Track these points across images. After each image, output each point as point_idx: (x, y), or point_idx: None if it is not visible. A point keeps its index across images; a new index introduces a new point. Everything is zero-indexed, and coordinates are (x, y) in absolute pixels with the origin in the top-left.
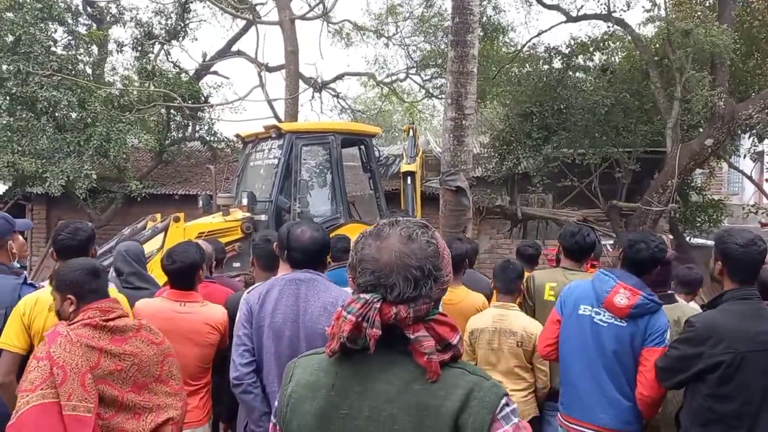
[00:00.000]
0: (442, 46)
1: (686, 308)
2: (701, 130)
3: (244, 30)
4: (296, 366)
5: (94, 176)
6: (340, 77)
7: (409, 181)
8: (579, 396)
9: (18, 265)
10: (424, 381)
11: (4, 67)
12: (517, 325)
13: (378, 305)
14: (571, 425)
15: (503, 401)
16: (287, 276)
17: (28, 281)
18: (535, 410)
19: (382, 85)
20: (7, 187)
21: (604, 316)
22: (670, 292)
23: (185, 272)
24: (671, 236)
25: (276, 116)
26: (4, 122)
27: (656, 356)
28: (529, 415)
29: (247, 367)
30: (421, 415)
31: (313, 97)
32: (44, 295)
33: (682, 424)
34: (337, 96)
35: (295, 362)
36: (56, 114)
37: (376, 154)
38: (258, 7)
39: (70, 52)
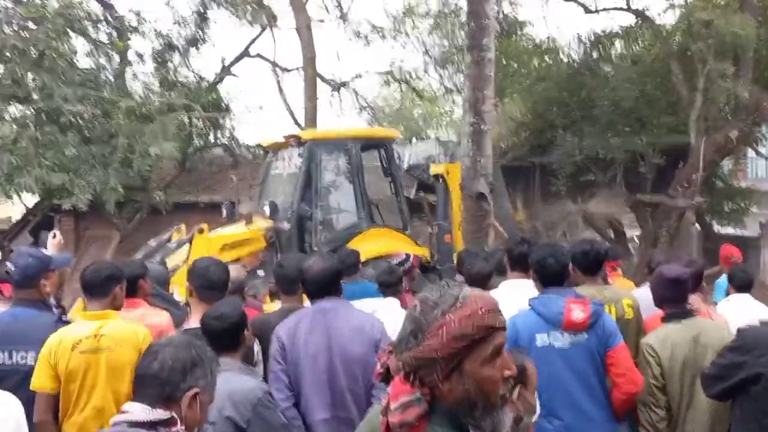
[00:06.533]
0: (460, 41)
1: (704, 324)
2: (729, 119)
3: (263, 31)
4: None
5: (121, 191)
6: (358, 76)
7: (440, 182)
8: (565, 428)
9: (55, 303)
10: None
11: (30, 83)
12: None
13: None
14: None
15: None
16: (313, 307)
17: (63, 318)
18: None
19: (401, 83)
20: (36, 201)
21: (563, 338)
22: (687, 308)
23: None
24: (699, 227)
25: (295, 120)
26: (31, 136)
27: (623, 353)
28: None
29: (286, 401)
30: None
31: (332, 95)
32: (67, 334)
33: None
34: (356, 95)
35: None
36: (81, 126)
37: (396, 158)
38: (275, 10)
39: (92, 59)
